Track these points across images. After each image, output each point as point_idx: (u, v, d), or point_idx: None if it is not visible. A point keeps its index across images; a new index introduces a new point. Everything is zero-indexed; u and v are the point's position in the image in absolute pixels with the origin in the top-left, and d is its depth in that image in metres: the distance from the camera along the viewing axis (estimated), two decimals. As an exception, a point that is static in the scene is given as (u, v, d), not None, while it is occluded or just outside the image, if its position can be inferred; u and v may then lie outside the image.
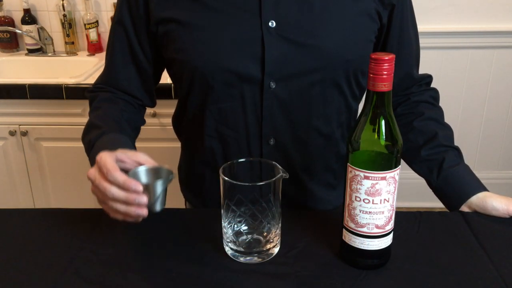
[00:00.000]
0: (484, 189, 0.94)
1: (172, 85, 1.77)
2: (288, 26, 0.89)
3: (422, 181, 1.03)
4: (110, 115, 0.98)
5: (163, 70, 1.06)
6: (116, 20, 0.99)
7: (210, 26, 0.90)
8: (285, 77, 0.91)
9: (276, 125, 0.95)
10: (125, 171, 0.78)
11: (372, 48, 0.97)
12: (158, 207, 0.78)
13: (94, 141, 0.92)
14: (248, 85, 0.91)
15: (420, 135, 1.01)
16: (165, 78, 1.07)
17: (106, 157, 0.76)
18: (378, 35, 0.97)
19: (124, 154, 0.80)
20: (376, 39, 0.97)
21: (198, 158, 1.04)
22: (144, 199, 0.74)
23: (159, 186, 0.76)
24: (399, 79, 1.01)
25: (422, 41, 1.08)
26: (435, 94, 1.08)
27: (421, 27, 1.06)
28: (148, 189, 0.75)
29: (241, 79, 0.91)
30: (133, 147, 0.93)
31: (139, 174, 0.79)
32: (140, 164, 0.80)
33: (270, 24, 0.88)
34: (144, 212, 0.75)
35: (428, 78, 1.09)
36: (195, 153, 1.05)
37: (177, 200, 1.07)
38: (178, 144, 1.14)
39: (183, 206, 1.20)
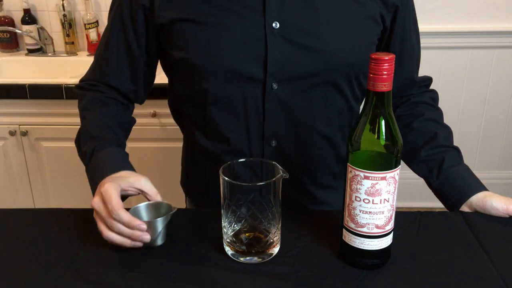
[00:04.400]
0: (484, 189, 0.94)
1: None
2: (292, 28, 0.88)
3: (422, 181, 1.02)
4: (104, 122, 0.98)
5: (156, 66, 1.05)
6: (114, 16, 0.98)
7: (213, 24, 0.89)
8: (287, 78, 0.90)
9: (278, 127, 0.95)
10: (125, 197, 0.85)
11: (375, 50, 0.96)
12: (159, 242, 0.82)
13: (91, 153, 0.93)
14: (250, 86, 0.91)
15: (420, 136, 1.01)
16: (165, 78, 1.07)
17: (111, 192, 0.79)
18: (381, 38, 0.97)
19: (127, 183, 0.84)
20: (378, 42, 0.97)
21: (199, 155, 1.04)
22: (147, 237, 0.78)
23: (160, 224, 0.80)
24: (400, 82, 1.02)
25: (422, 41, 1.07)
26: (434, 95, 1.08)
27: (421, 27, 1.06)
28: (150, 226, 0.79)
29: (243, 79, 0.90)
30: (129, 164, 0.93)
31: (140, 211, 0.84)
32: (142, 191, 0.85)
33: (274, 25, 0.88)
34: (141, 244, 0.79)
35: (428, 80, 1.09)
36: (196, 150, 1.04)
37: (177, 200, 1.07)
38: (178, 144, 1.14)
39: (183, 204, 1.20)
